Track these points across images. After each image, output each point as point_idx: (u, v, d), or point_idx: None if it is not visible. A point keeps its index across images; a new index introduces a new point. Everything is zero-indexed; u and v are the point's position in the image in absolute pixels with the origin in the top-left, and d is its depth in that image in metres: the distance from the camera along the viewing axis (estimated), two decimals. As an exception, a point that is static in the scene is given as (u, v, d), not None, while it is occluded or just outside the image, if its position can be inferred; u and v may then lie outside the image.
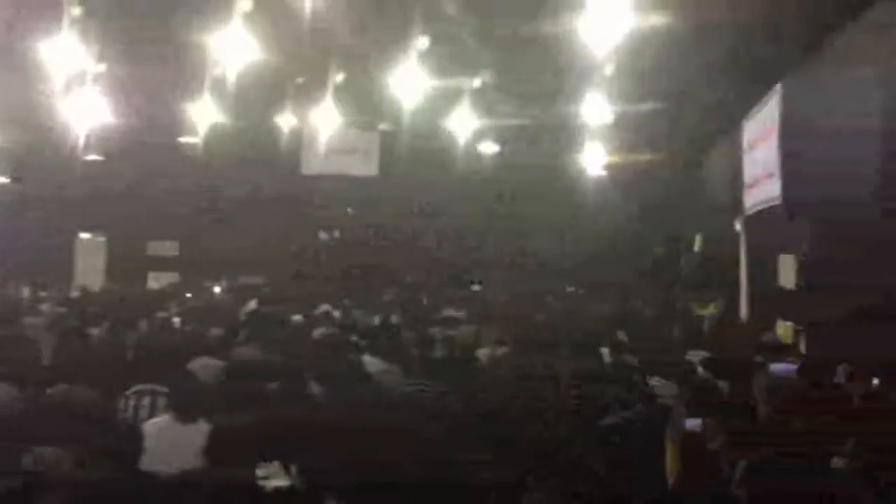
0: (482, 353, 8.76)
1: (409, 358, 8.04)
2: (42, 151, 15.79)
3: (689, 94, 13.22)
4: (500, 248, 18.31)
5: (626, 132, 15.52)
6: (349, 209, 19.78)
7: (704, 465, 3.90)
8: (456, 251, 18.52)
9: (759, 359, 7.67)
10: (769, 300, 10.57)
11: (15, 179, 16.72)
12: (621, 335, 9.39)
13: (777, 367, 6.92)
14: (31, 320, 9.25)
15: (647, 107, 13.90)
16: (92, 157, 16.24)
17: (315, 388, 6.62)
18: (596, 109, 14.02)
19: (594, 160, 16.88)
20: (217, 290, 15.57)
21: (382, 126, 18.78)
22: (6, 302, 10.18)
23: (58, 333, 8.56)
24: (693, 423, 4.69)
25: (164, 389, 6.12)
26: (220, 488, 4.01)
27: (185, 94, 15.10)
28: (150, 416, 5.95)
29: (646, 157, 16.76)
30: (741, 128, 12.69)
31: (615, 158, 16.83)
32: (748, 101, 11.85)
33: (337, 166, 19.44)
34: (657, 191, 18.35)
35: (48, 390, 6.15)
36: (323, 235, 19.72)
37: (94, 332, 9.23)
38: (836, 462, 4.28)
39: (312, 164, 19.23)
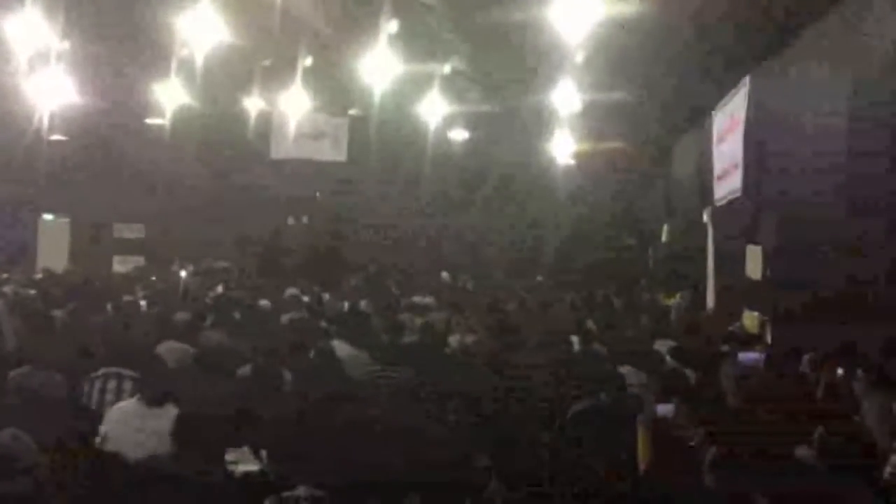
0: (453, 339, 8.78)
1: (379, 344, 8.04)
2: (5, 131, 15.46)
3: (660, 84, 13.30)
4: (470, 236, 18.33)
5: (596, 121, 15.58)
6: (317, 194, 19.66)
7: (676, 452, 3.94)
8: (425, 238, 18.51)
9: (725, 349, 7.79)
10: (735, 291, 10.70)
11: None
12: (590, 324, 9.46)
13: (744, 357, 7.01)
14: (-7, 304, 9.07)
15: (617, 96, 13.96)
16: (56, 137, 15.95)
17: (285, 374, 6.60)
18: (566, 97, 14.04)
19: (564, 149, 16.93)
20: (183, 273, 15.39)
21: (352, 111, 18.69)
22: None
23: (21, 316, 8.42)
24: (664, 409, 4.74)
25: (131, 373, 6.07)
26: (189, 473, 3.96)
27: (152, 75, 14.87)
28: (117, 399, 5.89)
29: (615, 146, 16.85)
30: (711, 118, 12.80)
31: (584, 147, 16.90)
32: (719, 92, 11.95)
33: (306, 151, 19.32)
34: (626, 180, 18.46)
35: (11, 373, 6.07)
36: (291, 220, 19.59)
37: (59, 314, 9.10)
38: (802, 451, 4.35)
39: (281, 149, 19.09)
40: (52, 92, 13.56)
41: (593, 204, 18.63)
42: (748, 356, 7.07)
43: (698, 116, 13.67)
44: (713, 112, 12.61)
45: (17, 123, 15.00)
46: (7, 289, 10.88)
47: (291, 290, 11.98)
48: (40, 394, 5.78)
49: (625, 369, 6.43)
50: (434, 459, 4.85)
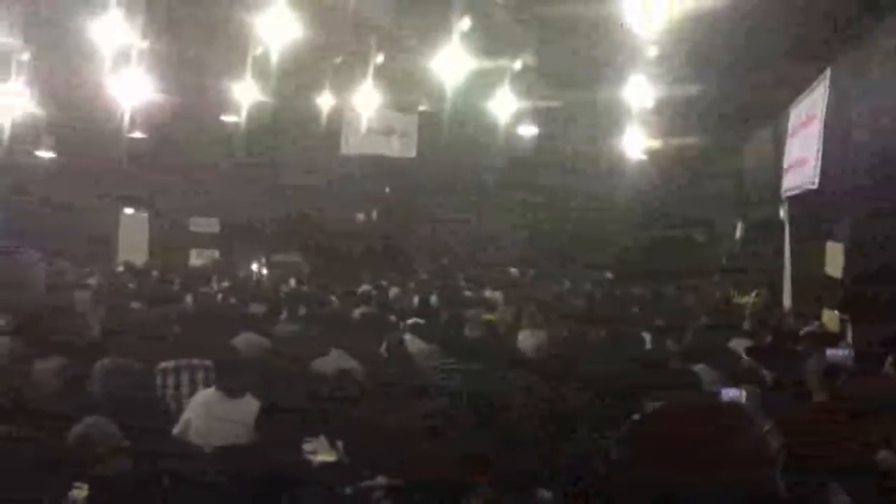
0: (522, 335, 8.77)
1: (449, 339, 8.08)
2: (87, 128, 16.01)
3: (734, 79, 13.03)
4: (539, 232, 18.25)
5: (668, 116, 15.34)
6: (387, 190, 19.83)
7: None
8: (494, 234, 18.51)
9: (801, 348, 7.60)
10: (814, 289, 10.43)
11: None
12: (660, 322, 9.34)
13: (831, 353, 6.81)
14: (79, 294, 9.42)
15: (690, 91, 13.73)
16: (136, 134, 16.46)
17: (356, 369, 6.69)
18: (637, 92, 13.88)
19: (634, 144, 16.73)
20: (256, 267, 15.74)
21: (421, 107, 18.77)
22: (55, 277, 10.38)
23: (105, 307, 8.72)
24: (731, 393, 4.65)
25: (207, 363, 6.22)
26: (269, 462, 4.08)
27: (228, 73, 15.22)
28: (192, 389, 6.06)
29: (686, 141, 16.56)
30: (786, 113, 12.51)
31: (655, 143, 16.66)
32: (794, 87, 11.67)
33: (375, 147, 19.48)
34: (697, 177, 18.15)
35: (96, 363, 6.29)
36: (361, 216, 19.80)
37: (140, 306, 9.41)
38: (885, 455, 4.24)
39: (351, 145, 19.29)
40: (133, 90, 14.00)
41: (663, 200, 18.36)
42: (835, 352, 6.87)
43: (773, 112, 13.36)
44: (790, 107, 12.32)
45: (99, 121, 15.52)
46: (91, 281, 11.27)
47: (363, 286, 12.12)
48: (122, 383, 5.97)
49: (699, 368, 6.34)
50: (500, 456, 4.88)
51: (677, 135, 16.23)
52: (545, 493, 3.98)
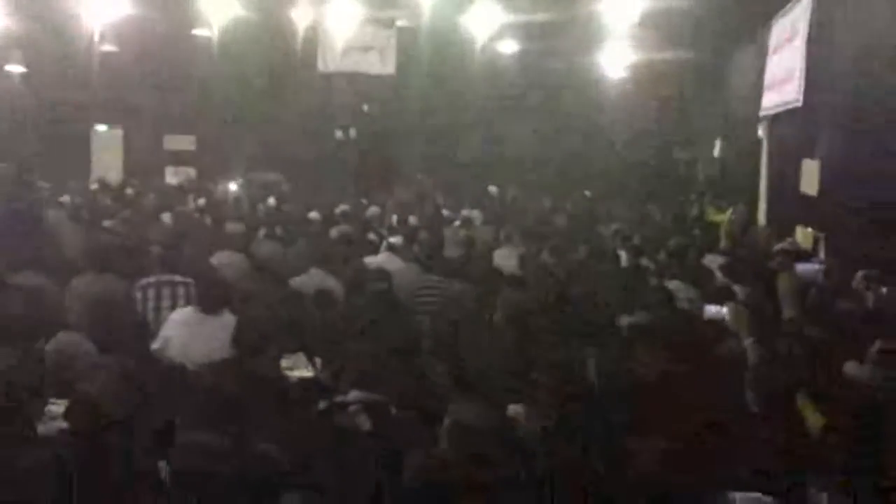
0: (500, 253, 8.82)
1: (427, 257, 8.12)
2: (58, 41, 15.56)
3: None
4: (519, 150, 18.14)
5: (650, 31, 15.11)
6: (365, 107, 19.55)
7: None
8: (473, 152, 18.37)
9: (775, 264, 7.70)
10: (789, 206, 10.51)
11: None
12: (637, 239, 9.41)
13: (803, 268, 6.90)
14: (53, 212, 9.33)
15: (673, 4, 13.49)
16: (108, 48, 16.02)
17: (334, 287, 6.72)
18: (621, 6, 13.65)
19: (616, 60, 16.53)
20: (234, 186, 15.59)
21: (400, 22, 18.38)
22: (27, 194, 10.24)
23: (81, 225, 8.65)
24: (713, 311, 4.73)
25: (185, 280, 6.23)
26: (247, 377, 4.12)
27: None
28: (173, 306, 6.08)
29: (670, 57, 16.36)
30: (768, 29, 12.37)
31: (638, 59, 16.46)
32: (778, 2, 11.51)
33: (353, 64, 19.14)
34: (679, 93, 18.02)
35: (74, 279, 6.27)
36: (339, 134, 19.56)
37: (116, 224, 9.34)
38: (852, 367, 4.35)
39: (329, 61, 18.93)
40: (105, 2, 13.58)
41: (645, 116, 18.25)
42: (806, 267, 6.96)
43: (757, 27, 13.20)
44: (772, 22, 12.18)
45: (71, 34, 15.08)
46: (65, 199, 11.14)
47: (342, 206, 12.07)
48: (101, 299, 5.97)
49: (673, 284, 6.43)
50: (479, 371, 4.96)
51: (661, 51, 16.02)
52: (519, 409, 4.06)
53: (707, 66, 16.96)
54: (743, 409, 3.79)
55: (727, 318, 4.46)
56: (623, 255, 8.31)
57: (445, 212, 12.89)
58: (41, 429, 3.55)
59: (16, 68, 16.53)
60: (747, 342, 4.08)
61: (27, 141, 15.67)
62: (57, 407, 3.57)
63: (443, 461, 2.94)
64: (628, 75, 17.06)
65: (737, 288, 6.07)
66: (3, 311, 4.84)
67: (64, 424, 3.17)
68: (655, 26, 14.65)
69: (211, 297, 5.48)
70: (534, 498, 3.14)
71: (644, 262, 7.93)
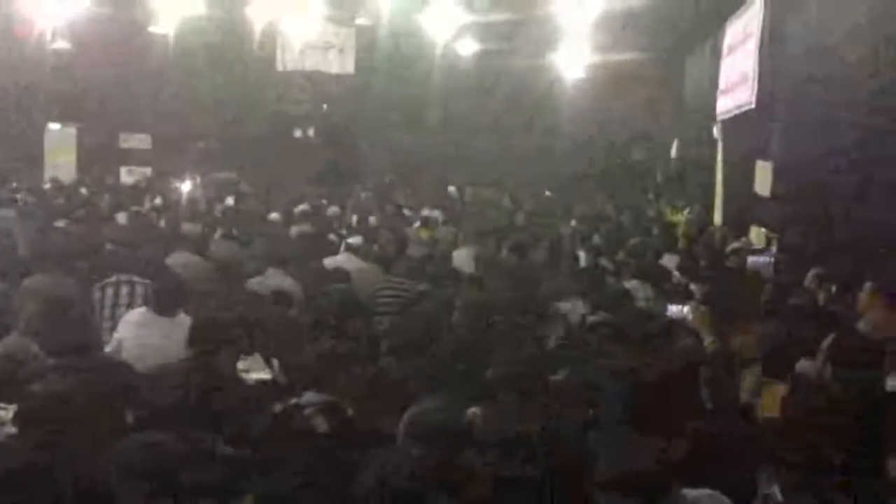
0: (459, 253, 8.82)
1: (387, 257, 8.09)
2: (8, 38, 15.22)
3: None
4: (478, 150, 18.17)
5: (609, 32, 15.26)
6: (325, 106, 19.45)
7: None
8: (433, 152, 18.37)
9: (728, 263, 7.83)
10: (743, 206, 10.68)
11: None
12: (596, 239, 9.49)
13: (754, 260, 7.02)
14: (3, 212, 9.13)
15: (629, 5, 13.63)
16: (61, 45, 15.71)
17: (293, 288, 6.66)
18: (577, 7, 13.74)
19: (575, 61, 16.65)
20: (190, 185, 15.39)
21: (359, 21, 18.33)
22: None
23: (33, 225, 8.48)
24: (676, 310, 4.78)
25: (143, 280, 6.14)
26: (202, 379, 4.06)
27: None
28: (130, 306, 5.98)
29: (627, 58, 16.53)
30: (723, 31, 12.55)
31: (597, 59, 16.60)
32: (734, 2, 11.68)
33: (313, 63, 19.05)
34: (637, 94, 18.21)
35: (26, 280, 6.14)
36: (298, 133, 19.44)
37: (67, 224, 9.16)
38: (804, 364, 4.43)
39: (287, 60, 18.82)
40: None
41: (603, 117, 18.41)
42: (758, 259, 7.08)
43: (712, 28, 13.38)
44: (725, 24, 12.35)
45: (21, 31, 14.77)
46: (17, 197, 10.92)
47: (302, 205, 11.99)
48: (53, 299, 5.85)
49: (631, 284, 6.49)
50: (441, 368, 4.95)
51: (619, 52, 16.18)
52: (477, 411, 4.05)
53: (663, 67, 17.19)
54: (700, 407, 3.84)
55: (689, 317, 4.52)
56: (582, 254, 8.37)
57: (406, 212, 12.87)
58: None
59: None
60: (708, 340, 4.14)
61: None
62: (4, 412, 3.49)
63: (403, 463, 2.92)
64: (587, 76, 17.20)
65: (694, 287, 6.15)
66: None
67: (12, 429, 3.11)
68: (613, 27, 14.79)
69: (166, 299, 5.41)
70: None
71: (603, 261, 7.99)
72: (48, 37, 15.21)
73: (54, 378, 3.66)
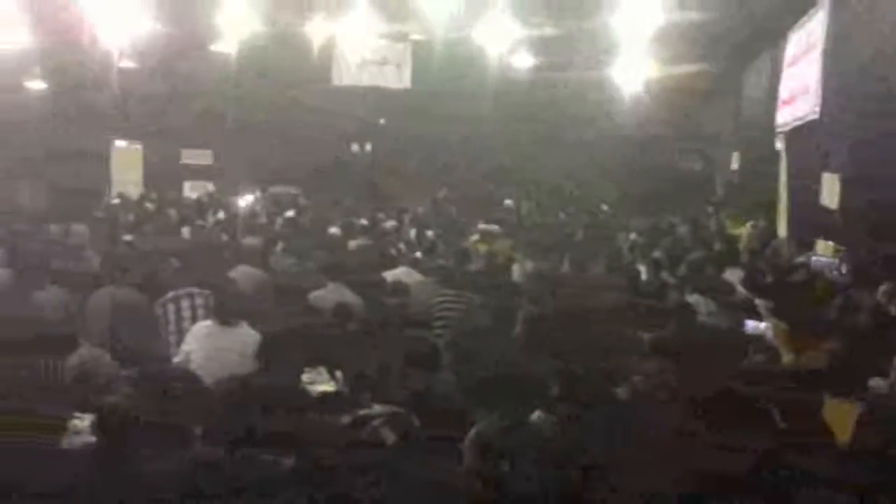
0: (517, 267, 8.80)
1: (446, 271, 8.11)
2: (79, 58, 15.71)
3: (734, 3, 12.79)
4: (535, 163, 18.13)
5: (667, 45, 15.09)
6: (381, 121, 19.63)
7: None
8: (489, 165, 18.38)
9: (796, 277, 7.65)
10: (810, 220, 10.43)
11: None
12: (658, 253, 9.37)
13: (819, 261, 6.82)
14: (76, 227, 9.41)
15: (689, 17, 13.47)
16: (127, 64, 16.16)
17: (353, 301, 6.71)
18: (637, 20, 13.62)
19: (632, 73, 16.51)
20: (250, 199, 15.67)
21: (415, 36, 18.47)
22: (50, 210, 10.36)
23: (103, 240, 8.72)
24: (751, 326, 4.69)
25: (203, 292, 6.24)
26: (270, 391, 4.11)
27: (219, 1, 14.90)
28: (192, 319, 6.09)
29: (685, 70, 16.33)
30: (784, 41, 12.34)
31: (654, 72, 16.44)
32: (795, 13, 11.48)
33: (369, 78, 19.24)
34: (695, 106, 17.98)
35: (95, 293, 6.31)
36: (355, 147, 19.66)
37: (137, 238, 9.40)
38: (877, 382, 4.31)
39: (344, 76, 19.04)
40: (123, 19, 13.70)
41: (660, 130, 18.22)
42: (823, 260, 6.87)
43: (772, 38, 13.16)
44: (789, 34, 12.14)
45: (91, 51, 15.22)
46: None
47: (360, 220, 12.10)
48: (121, 312, 6.00)
49: (693, 298, 6.39)
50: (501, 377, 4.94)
51: (676, 63, 16.00)
52: (542, 416, 4.04)
53: (723, 78, 16.94)
54: (770, 424, 3.75)
55: (767, 333, 4.42)
56: (643, 268, 8.28)
57: (463, 225, 12.89)
58: (65, 443, 3.55)
59: (36, 84, 16.70)
60: (787, 357, 4.04)
61: (49, 158, 15.80)
62: (80, 421, 3.58)
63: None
64: (644, 88, 17.04)
65: (759, 302, 6.03)
66: (29, 326, 4.87)
67: (88, 438, 3.19)
68: (670, 40, 14.63)
69: (228, 309, 5.50)
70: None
71: (665, 275, 7.89)
72: (115, 55, 15.65)
73: (127, 389, 3.74)
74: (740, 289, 6.83)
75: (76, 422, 3.62)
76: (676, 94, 17.23)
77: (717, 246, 10.57)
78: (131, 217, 11.68)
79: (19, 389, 3.76)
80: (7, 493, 2.95)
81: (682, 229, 12.52)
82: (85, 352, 4.30)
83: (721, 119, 17.79)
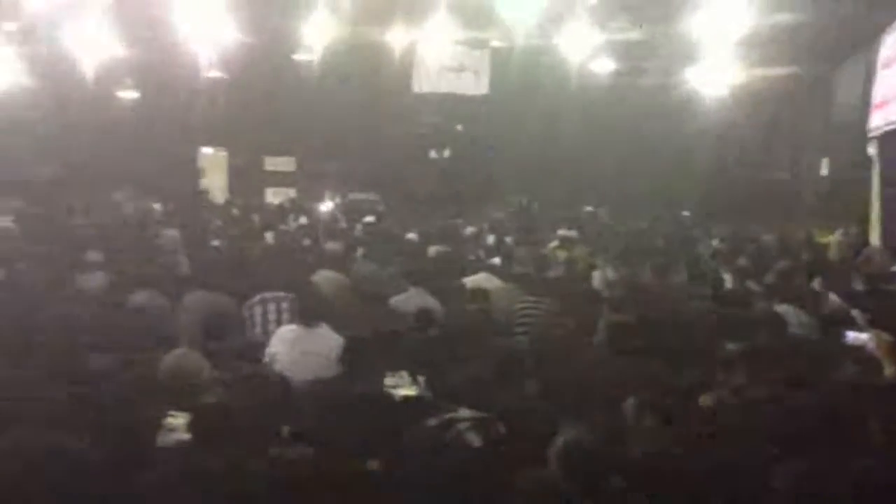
0: (597, 274, 8.71)
1: (526, 277, 8.08)
2: (169, 69, 16.25)
3: (825, 5, 12.42)
4: (615, 169, 17.91)
5: (752, 48, 14.75)
6: (459, 127, 19.70)
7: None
8: (569, 171, 18.24)
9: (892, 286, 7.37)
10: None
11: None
12: (743, 261, 9.15)
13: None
14: (168, 232, 9.72)
15: (777, 19, 13.14)
16: (213, 73, 16.64)
17: (434, 306, 6.74)
18: (722, 23, 13.37)
19: (716, 78, 16.17)
20: (331, 205, 15.93)
21: (494, 43, 18.50)
22: (140, 215, 10.73)
23: (193, 244, 8.98)
24: (852, 337, 4.53)
25: (288, 296, 6.36)
26: (354, 395, 4.17)
27: (302, 12, 15.24)
28: (278, 322, 6.21)
29: (772, 74, 15.92)
30: (877, 44, 11.91)
31: (738, 76, 16.06)
32: (889, 14, 11.07)
33: (448, 84, 19.36)
34: (782, 111, 17.50)
35: (186, 297, 6.50)
36: (433, 154, 19.78)
37: (223, 243, 9.66)
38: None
39: (423, 83, 19.20)
40: (210, 29, 14.13)
41: (745, 135, 17.78)
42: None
43: (863, 42, 12.72)
44: (882, 35, 11.72)
45: (180, 61, 15.74)
46: (177, 220, 11.58)
47: (438, 224, 12.17)
48: (212, 315, 6.16)
49: (782, 308, 6.21)
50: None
51: (763, 68, 15.61)
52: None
53: (810, 83, 16.45)
54: (866, 439, 3.62)
55: (868, 344, 4.26)
56: (727, 276, 8.09)
57: (542, 231, 12.83)
58: (160, 440, 3.67)
59: (128, 94, 17.34)
60: (890, 370, 3.89)
61: (140, 165, 16.37)
62: (175, 420, 3.70)
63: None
64: (729, 93, 16.65)
65: (855, 313, 5.82)
66: (123, 329, 5.05)
67: (183, 436, 3.29)
68: (755, 44, 14.29)
69: (311, 313, 5.58)
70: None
71: (751, 284, 7.69)
72: (203, 65, 16.15)
73: (221, 390, 3.85)
74: (833, 298, 6.60)
75: (171, 420, 3.73)
76: (763, 98, 16.80)
77: (805, 255, 10.26)
78: (218, 222, 11.99)
79: (118, 389, 3.90)
80: (107, 488, 3.06)
81: (768, 237, 12.18)
82: (180, 352, 4.44)
83: (810, 124, 17.26)
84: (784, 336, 5.49)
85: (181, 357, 4.48)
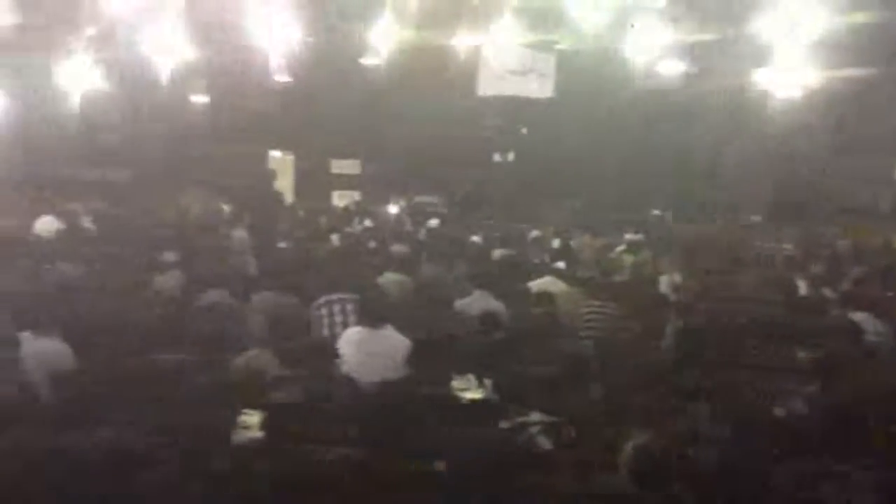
0: (664, 279, 8.60)
1: (591, 280, 8.03)
2: (239, 73, 16.59)
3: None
4: (681, 173, 17.63)
5: (824, 49, 14.37)
6: (524, 130, 19.64)
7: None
8: (635, 174, 18.02)
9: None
10: None
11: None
12: (817, 267, 8.93)
13: None
14: (237, 233, 9.92)
15: (850, 20, 12.78)
16: (281, 77, 16.92)
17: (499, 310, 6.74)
18: (792, 23, 13.05)
19: (789, 79, 15.78)
20: (396, 208, 16.04)
21: (560, 46, 18.38)
22: (213, 217, 10.99)
23: (261, 245, 9.16)
24: None
25: (353, 297, 6.41)
26: (421, 397, 4.20)
27: (368, 15, 15.39)
28: (344, 323, 6.28)
29: (843, 75, 15.48)
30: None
31: (811, 77, 15.66)
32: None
33: (512, 87, 19.29)
34: (855, 113, 16.99)
35: (254, 297, 6.63)
36: (497, 157, 19.76)
37: (288, 244, 9.82)
38: None
39: (488, 86, 19.16)
40: (278, 34, 14.38)
41: (816, 138, 17.32)
42: None
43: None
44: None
45: (250, 65, 16.05)
46: (247, 221, 11.79)
47: (503, 227, 12.16)
48: (280, 315, 6.27)
49: (859, 316, 6.04)
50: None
51: (835, 69, 15.20)
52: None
53: (885, 84, 15.95)
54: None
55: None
56: (802, 283, 7.90)
57: (605, 235, 12.71)
58: (234, 438, 3.75)
59: (199, 98, 17.75)
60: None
61: (209, 166, 16.75)
62: (248, 417, 3.78)
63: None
64: (800, 94, 16.25)
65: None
66: (195, 329, 5.17)
67: (257, 434, 3.35)
68: (829, 45, 13.92)
69: (377, 315, 5.62)
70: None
71: (826, 292, 7.49)
72: (271, 69, 16.44)
73: (292, 389, 3.92)
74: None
75: (244, 418, 3.82)
76: (836, 100, 16.35)
77: (882, 261, 9.96)
78: (285, 224, 12.19)
79: (193, 388, 3.99)
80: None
81: (843, 243, 11.85)
82: (251, 352, 4.53)
83: (884, 126, 16.71)
84: (860, 344, 5.35)
85: (252, 356, 4.57)
